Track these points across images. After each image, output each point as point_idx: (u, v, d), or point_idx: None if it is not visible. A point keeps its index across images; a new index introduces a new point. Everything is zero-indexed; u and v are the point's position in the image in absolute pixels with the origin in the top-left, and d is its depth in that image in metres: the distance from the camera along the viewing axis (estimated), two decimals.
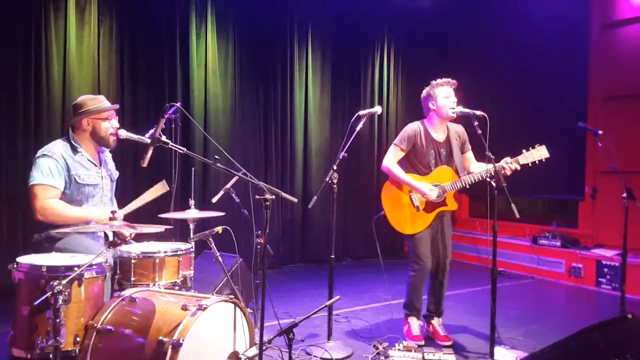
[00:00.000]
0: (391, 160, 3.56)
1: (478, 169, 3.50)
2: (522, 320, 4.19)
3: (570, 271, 5.61)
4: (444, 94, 3.47)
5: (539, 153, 3.32)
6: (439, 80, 3.52)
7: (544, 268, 5.87)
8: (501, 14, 6.55)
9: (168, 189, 2.97)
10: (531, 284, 5.65)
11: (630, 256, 3.87)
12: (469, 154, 3.66)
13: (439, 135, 3.56)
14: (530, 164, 3.33)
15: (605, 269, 5.29)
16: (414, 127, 3.57)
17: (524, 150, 3.35)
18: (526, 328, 3.96)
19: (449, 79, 3.52)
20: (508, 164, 3.31)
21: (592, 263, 5.43)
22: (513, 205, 3.01)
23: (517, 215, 3.04)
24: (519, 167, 3.33)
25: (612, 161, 3.90)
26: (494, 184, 3.11)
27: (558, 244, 5.77)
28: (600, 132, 3.82)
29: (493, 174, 3.15)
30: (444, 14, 7.20)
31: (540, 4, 6.08)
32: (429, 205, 3.50)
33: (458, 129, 3.62)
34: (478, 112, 3.18)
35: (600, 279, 5.34)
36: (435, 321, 3.67)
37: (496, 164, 3.24)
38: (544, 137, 3.42)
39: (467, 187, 3.47)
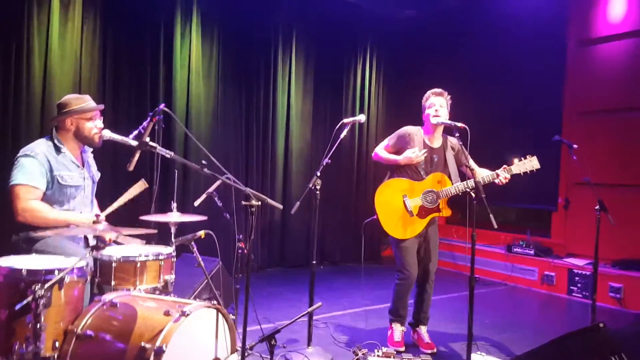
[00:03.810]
0: (379, 148, 3.72)
1: (482, 173, 3.51)
2: (497, 327, 4.28)
3: (543, 279, 5.76)
4: (427, 104, 3.58)
5: (531, 164, 3.39)
6: (429, 91, 3.62)
7: (518, 275, 6.01)
8: (482, 27, 6.69)
9: (147, 186, 2.94)
10: (505, 291, 5.78)
11: (600, 265, 3.99)
12: (471, 164, 3.62)
13: (433, 142, 3.62)
14: (522, 174, 3.40)
15: (577, 278, 5.45)
16: (408, 128, 3.65)
17: (515, 160, 3.41)
18: (501, 335, 4.06)
19: (436, 89, 3.61)
20: (503, 172, 3.37)
21: (564, 272, 5.58)
22: (491, 216, 3.05)
23: (495, 226, 3.10)
24: (508, 177, 3.39)
25: (586, 174, 4.01)
26: (473, 195, 3.18)
27: (532, 252, 5.92)
28: (575, 145, 3.94)
29: (474, 185, 3.22)
30: (426, 25, 7.34)
31: (519, 19, 6.24)
32: (422, 211, 3.54)
33: (452, 141, 3.65)
34: (459, 124, 3.25)
35: (571, 287, 5.50)
36: (420, 329, 3.72)
37: (489, 174, 3.38)
38: (521, 148, 3.52)
39: (460, 194, 3.45)
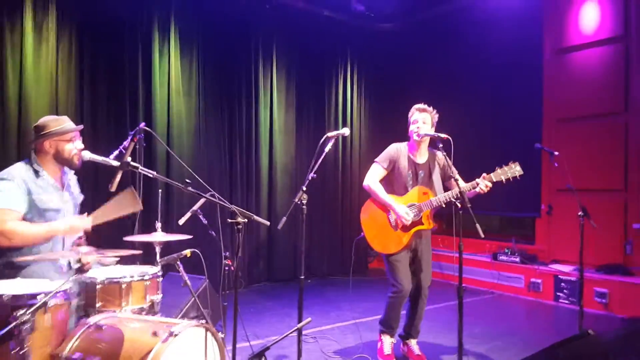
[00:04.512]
0: (373, 178, 3.61)
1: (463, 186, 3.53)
2: (486, 335, 4.29)
3: (530, 286, 5.80)
4: (412, 119, 3.59)
5: (513, 170, 3.40)
6: (413, 107, 3.62)
7: (504, 283, 6.04)
8: (459, 38, 6.82)
9: (141, 208, 2.88)
10: (492, 299, 5.80)
11: (585, 271, 4.03)
12: (456, 176, 3.58)
13: (418, 158, 3.63)
14: (504, 181, 3.40)
15: (563, 284, 5.50)
16: (397, 146, 3.65)
17: (497, 168, 3.43)
18: (491, 344, 4.06)
19: (420, 105, 3.61)
20: (483, 181, 3.38)
21: (550, 278, 5.63)
22: (478, 226, 3.05)
23: (482, 235, 3.11)
24: (490, 185, 3.40)
25: (567, 180, 4.06)
26: (459, 205, 3.20)
27: (517, 259, 5.96)
28: (556, 153, 4.00)
29: (458, 195, 3.24)
30: (406, 39, 7.46)
31: (495, 30, 6.37)
32: (406, 225, 3.54)
33: (439, 156, 3.66)
34: (442, 135, 3.28)
35: (558, 294, 5.54)
36: (410, 341, 3.71)
37: (469, 184, 3.39)
38: (503, 157, 3.55)
39: (444, 205, 3.47)
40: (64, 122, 2.90)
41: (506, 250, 6.11)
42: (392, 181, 3.62)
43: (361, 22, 7.22)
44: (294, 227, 6.10)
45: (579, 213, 3.76)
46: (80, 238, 2.41)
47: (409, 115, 3.63)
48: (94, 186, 4.89)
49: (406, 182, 3.58)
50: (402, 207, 3.50)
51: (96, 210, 2.84)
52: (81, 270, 2.20)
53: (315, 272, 6.84)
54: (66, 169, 2.98)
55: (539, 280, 5.73)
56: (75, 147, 2.89)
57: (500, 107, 6.39)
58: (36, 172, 2.80)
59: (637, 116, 5.32)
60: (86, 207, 3.10)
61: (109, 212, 2.83)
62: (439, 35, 7.08)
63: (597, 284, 5.22)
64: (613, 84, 5.48)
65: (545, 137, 5.92)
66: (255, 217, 2.56)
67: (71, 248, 2.48)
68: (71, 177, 3.07)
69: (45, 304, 2.10)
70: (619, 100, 5.44)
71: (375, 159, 3.67)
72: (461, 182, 3.53)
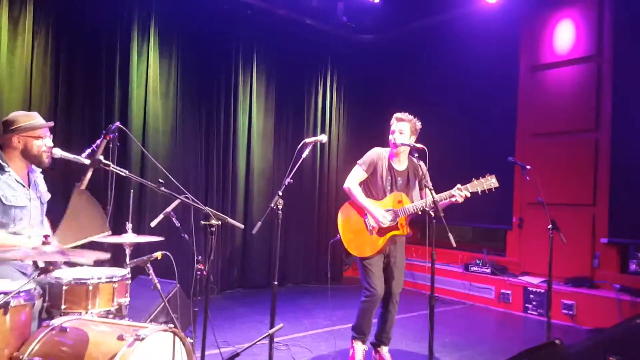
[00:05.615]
0: (353, 181, 3.65)
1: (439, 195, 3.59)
2: (457, 345, 4.32)
3: (500, 297, 5.89)
4: (391, 129, 3.64)
5: (489, 182, 3.47)
6: (394, 115, 3.66)
7: (475, 294, 6.12)
8: (440, 53, 6.92)
9: (110, 232, 2.87)
10: (463, 310, 5.86)
11: (553, 283, 4.11)
12: (430, 187, 3.62)
13: (398, 165, 3.67)
14: (480, 192, 3.47)
15: (532, 295, 5.59)
16: (378, 150, 3.69)
17: (474, 179, 3.49)
18: (460, 353, 4.09)
19: (399, 114, 3.64)
20: (459, 191, 3.43)
21: (520, 290, 5.72)
22: (450, 235, 3.10)
23: (454, 245, 3.15)
24: (469, 195, 3.45)
25: (538, 194, 4.15)
26: (432, 214, 3.23)
27: (488, 271, 6.04)
28: (529, 167, 4.08)
29: (433, 204, 3.27)
30: (386, 50, 7.55)
31: (475, 45, 6.48)
32: (382, 229, 3.57)
33: (416, 164, 3.69)
34: (418, 145, 3.33)
35: (527, 305, 5.63)
36: (382, 349, 3.71)
37: (445, 193, 3.43)
38: (478, 169, 3.61)
39: (419, 213, 3.53)
40: (34, 118, 2.84)
41: (478, 262, 6.19)
42: (371, 185, 3.66)
43: (343, 32, 7.26)
44: (270, 233, 6.07)
45: (549, 226, 3.83)
46: (46, 237, 2.33)
47: (391, 123, 3.67)
48: (65, 186, 4.76)
49: (385, 187, 3.62)
50: (380, 210, 3.54)
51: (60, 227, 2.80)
52: (46, 270, 2.13)
53: (290, 279, 6.81)
54: (33, 166, 2.91)
55: (509, 292, 5.81)
56: (44, 144, 2.83)
57: (477, 120, 6.50)
58: (1, 168, 2.73)
59: (607, 134, 5.47)
60: (56, 205, 3.04)
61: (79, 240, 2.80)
62: (419, 48, 7.19)
63: (564, 296, 5.32)
64: (585, 102, 5.62)
65: (519, 151, 6.04)
66: (230, 220, 2.53)
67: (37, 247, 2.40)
68: (38, 175, 2.99)
69: (6, 304, 2.03)
70: (590, 118, 5.58)
71: (358, 161, 3.71)
72: (435, 193, 3.58)
